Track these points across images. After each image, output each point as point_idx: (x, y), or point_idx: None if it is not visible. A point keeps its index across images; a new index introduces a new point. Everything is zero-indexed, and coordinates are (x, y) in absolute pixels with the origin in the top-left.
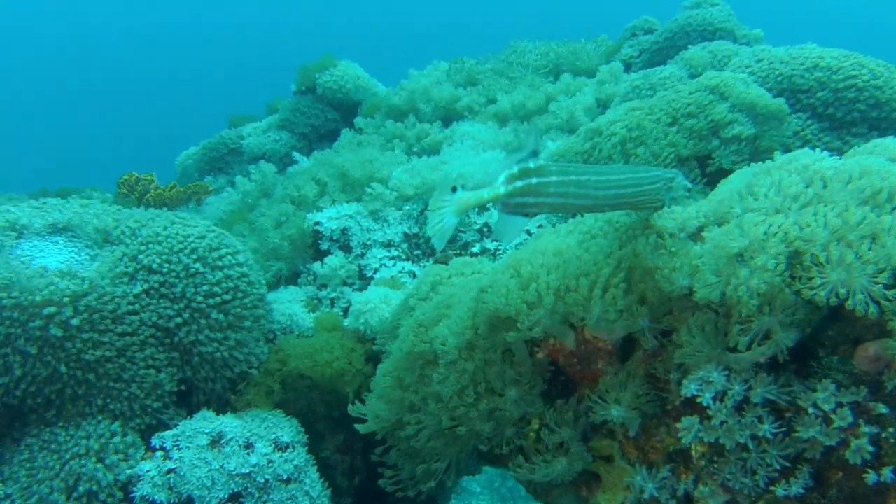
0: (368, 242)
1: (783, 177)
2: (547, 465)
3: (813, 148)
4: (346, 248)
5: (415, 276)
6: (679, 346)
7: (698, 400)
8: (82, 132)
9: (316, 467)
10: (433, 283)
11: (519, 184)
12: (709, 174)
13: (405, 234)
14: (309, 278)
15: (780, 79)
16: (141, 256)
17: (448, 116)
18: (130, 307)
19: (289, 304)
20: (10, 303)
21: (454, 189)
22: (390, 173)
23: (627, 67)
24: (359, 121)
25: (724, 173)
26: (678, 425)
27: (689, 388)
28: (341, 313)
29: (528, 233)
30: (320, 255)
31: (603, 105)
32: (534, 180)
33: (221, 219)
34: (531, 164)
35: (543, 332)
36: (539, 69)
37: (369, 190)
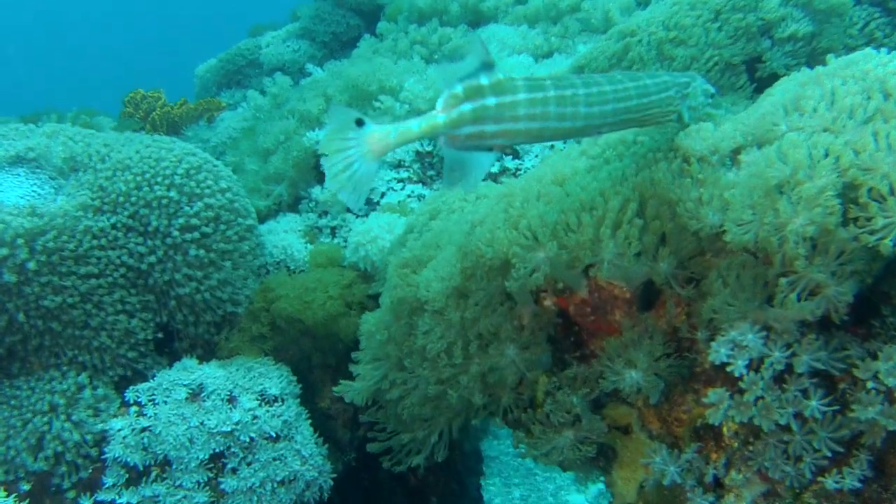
0: None
1: (837, 86)
2: (549, 441)
3: (879, 48)
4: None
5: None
6: (708, 296)
7: (729, 368)
8: (105, 49)
9: (310, 421)
10: (433, 211)
11: (466, 108)
12: (758, 80)
13: (417, 153)
14: (311, 204)
15: None
16: (108, 185)
17: (475, 19)
18: (96, 243)
19: (284, 235)
20: None
21: (359, 122)
22: (402, 84)
23: None
24: (380, 26)
25: (776, 80)
26: (705, 399)
27: (719, 352)
28: (343, 244)
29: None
30: (323, 177)
31: (643, 4)
32: (490, 101)
33: (231, 136)
34: (483, 81)
35: (545, 280)
36: None
37: (377, 103)
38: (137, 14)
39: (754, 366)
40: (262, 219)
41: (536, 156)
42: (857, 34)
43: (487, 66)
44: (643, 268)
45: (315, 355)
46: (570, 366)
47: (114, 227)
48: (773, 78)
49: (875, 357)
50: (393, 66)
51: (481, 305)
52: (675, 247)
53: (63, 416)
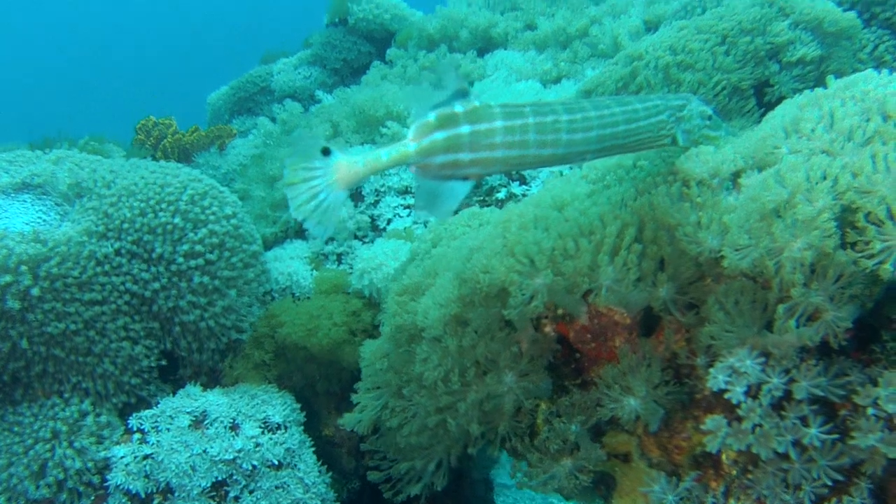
0: (382, 189)
1: (835, 108)
2: (545, 469)
3: (892, 71)
4: (358, 196)
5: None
6: (707, 322)
7: (727, 395)
8: (117, 76)
9: (314, 448)
10: (435, 238)
11: (439, 137)
12: (767, 104)
13: None
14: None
15: None
16: (112, 211)
17: (485, 45)
18: (100, 269)
19: (290, 262)
20: None
21: (325, 151)
22: (409, 109)
23: None
24: (390, 52)
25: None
26: (703, 426)
27: (717, 379)
28: (349, 270)
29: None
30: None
31: (653, 27)
32: (464, 129)
33: (242, 164)
34: (457, 108)
35: (545, 306)
36: None
37: (384, 129)
38: (149, 42)
39: (753, 392)
40: (270, 245)
41: (543, 182)
42: (866, 58)
43: (462, 94)
44: (642, 294)
45: (320, 382)
46: (571, 393)
47: (118, 253)
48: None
49: (875, 383)
50: (400, 92)
51: (479, 332)
52: (673, 272)
53: (65, 443)
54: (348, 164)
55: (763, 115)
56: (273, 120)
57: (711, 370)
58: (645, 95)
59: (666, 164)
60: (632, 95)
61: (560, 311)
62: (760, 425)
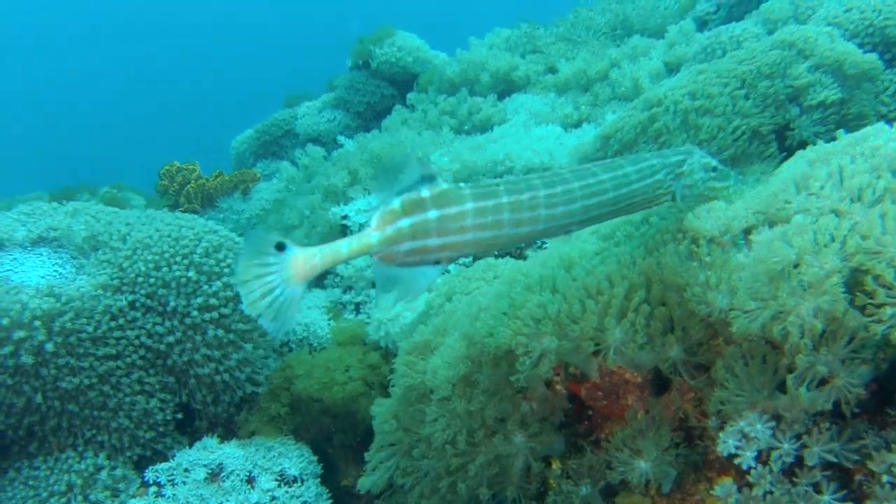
0: None
1: (844, 164)
2: None
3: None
4: None
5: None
6: (717, 385)
7: (737, 461)
8: (144, 121)
9: (332, 501)
10: (449, 293)
11: (404, 224)
12: (788, 148)
13: None
14: (336, 279)
15: (871, 31)
16: (127, 265)
17: (506, 88)
18: (114, 324)
19: (307, 312)
20: None
21: (280, 246)
22: (428, 156)
23: (703, 25)
24: (411, 97)
25: (806, 147)
26: (713, 492)
27: (727, 444)
28: (367, 320)
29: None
30: None
31: (674, 69)
32: (431, 214)
33: (265, 209)
34: (423, 193)
35: (552, 368)
36: (605, 31)
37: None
38: (173, 87)
39: (764, 457)
40: None
41: None
42: (889, 100)
43: (429, 178)
44: (651, 355)
45: (336, 435)
46: (583, 451)
47: (132, 306)
48: (803, 146)
49: (891, 448)
50: (417, 138)
51: (488, 393)
52: (682, 334)
53: (80, 497)
54: (305, 258)
55: (785, 159)
56: (295, 165)
57: (721, 434)
58: (640, 155)
59: (675, 220)
60: (625, 157)
61: (571, 369)
62: (771, 492)
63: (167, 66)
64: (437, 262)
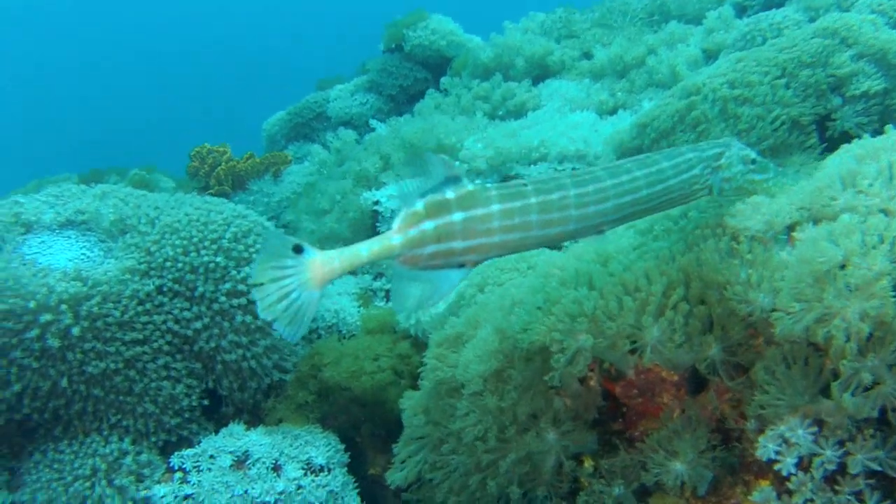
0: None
1: (894, 161)
2: None
3: None
4: None
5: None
6: (756, 387)
7: (776, 467)
8: (176, 103)
9: (358, 490)
10: (481, 283)
11: (428, 226)
12: (829, 139)
13: None
14: (366, 266)
15: None
16: (155, 249)
17: (541, 73)
18: (142, 309)
19: (337, 298)
20: (4, 308)
21: (298, 249)
22: (461, 142)
23: (743, 11)
24: (444, 81)
25: (847, 139)
26: (751, 497)
27: (767, 448)
28: None
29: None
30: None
31: (712, 57)
32: (456, 217)
33: (296, 192)
34: (447, 194)
35: (586, 366)
36: (641, 17)
37: None
38: (204, 69)
39: (804, 464)
40: None
41: None
42: None
43: (453, 179)
44: (688, 355)
45: (365, 425)
46: (618, 449)
47: (160, 291)
48: (845, 137)
49: None
50: (451, 123)
51: (520, 389)
52: (721, 333)
53: (105, 481)
54: (323, 261)
55: (826, 150)
56: (327, 148)
57: (761, 439)
58: (676, 149)
59: (716, 215)
60: (660, 152)
61: (606, 366)
62: (812, 500)
63: (200, 48)
64: (461, 265)
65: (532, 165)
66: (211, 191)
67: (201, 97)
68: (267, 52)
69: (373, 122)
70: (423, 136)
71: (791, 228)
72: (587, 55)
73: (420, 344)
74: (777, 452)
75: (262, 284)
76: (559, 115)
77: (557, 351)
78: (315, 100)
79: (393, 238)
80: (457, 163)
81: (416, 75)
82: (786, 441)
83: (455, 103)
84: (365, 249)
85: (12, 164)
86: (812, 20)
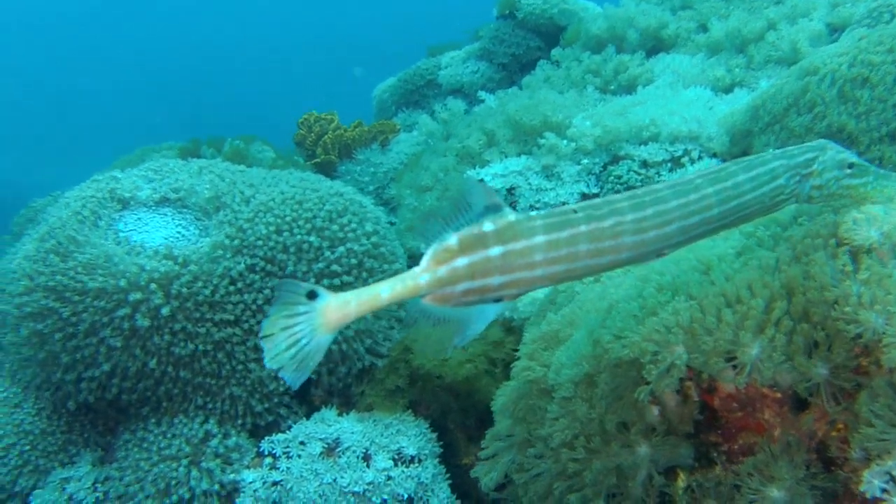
0: (538, 205)
1: None
2: None
3: None
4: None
5: None
6: (859, 420)
7: None
8: (285, 69)
9: (450, 481)
10: None
11: (461, 263)
12: None
13: (582, 195)
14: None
15: None
16: (248, 227)
17: (655, 45)
18: (233, 288)
19: None
20: (94, 286)
21: (312, 295)
22: (570, 119)
23: None
24: (555, 52)
25: None
26: None
27: (872, 484)
28: None
29: None
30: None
31: (838, 31)
32: (494, 252)
33: (403, 162)
34: (485, 227)
35: (680, 379)
36: None
37: (542, 141)
38: (314, 36)
39: None
40: (419, 259)
41: None
42: None
43: (493, 209)
44: (789, 376)
45: (454, 415)
46: (714, 464)
47: (251, 270)
48: None
49: None
50: (559, 99)
51: (609, 399)
52: (827, 354)
53: (192, 464)
54: (338, 305)
55: None
56: (435, 119)
57: (866, 473)
58: (759, 157)
59: (826, 225)
60: (740, 161)
61: (705, 376)
62: None
63: (312, 17)
64: (499, 300)
65: (642, 145)
66: (317, 159)
67: (313, 65)
68: (379, 18)
69: (482, 94)
70: (528, 113)
71: None
72: (704, 28)
73: (514, 329)
74: (883, 490)
75: (271, 335)
76: (672, 92)
77: (649, 363)
78: (426, 66)
79: (420, 277)
80: (558, 140)
81: (528, 43)
82: (893, 478)
83: (565, 76)
84: (386, 290)
85: (126, 131)
86: None
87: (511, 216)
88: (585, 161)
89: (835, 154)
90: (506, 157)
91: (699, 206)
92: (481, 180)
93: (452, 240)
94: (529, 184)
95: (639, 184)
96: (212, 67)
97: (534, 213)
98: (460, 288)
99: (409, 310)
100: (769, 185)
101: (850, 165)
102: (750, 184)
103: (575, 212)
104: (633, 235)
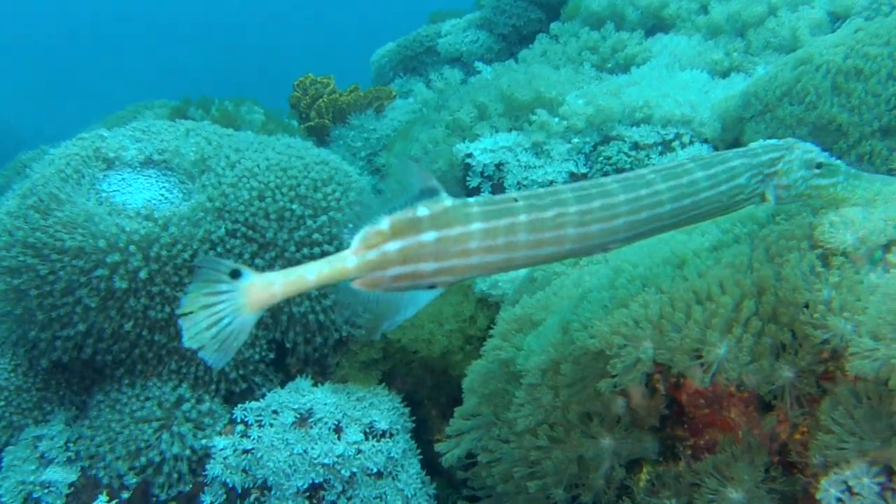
0: (525, 182)
1: None
2: None
3: None
4: (499, 188)
5: None
6: (820, 426)
7: None
8: (282, 33)
9: (421, 457)
10: None
11: (392, 248)
12: None
13: (571, 175)
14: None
15: None
16: (230, 192)
17: (655, 25)
18: (212, 253)
19: None
20: (73, 245)
21: (235, 273)
22: (563, 96)
23: None
24: (554, 27)
25: None
26: None
27: (829, 493)
28: None
29: None
30: (469, 193)
31: (841, 19)
32: (427, 237)
33: (396, 130)
34: (419, 212)
35: (644, 375)
36: None
37: (533, 117)
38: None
39: None
40: None
41: None
42: None
43: (429, 192)
44: (755, 377)
45: (428, 390)
46: (679, 459)
47: (232, 235)
48: None
49: None
50: (553, 75)
51: (574, 388)
52: (793, 358)
53: (162, 427)
54: (263, 285)
55: None
56: (431, 87)
57: (823, 481)
58: (720, 155)
59: (801, 226)
60: (699, 158)
61: (674, 371)
62: None
63: None
64: (432, 287)
65: (634, 127)
66: (311, 122)
67: (312, 30)
68: None
69: (478, 65)
70: (521, 88)
71: (888, 249)
72: (705, 9)
73: (490, 305)
74: (839, 500)
75: (190, 313)
76: (668, 73)
77: (615, 356)
78: (426, 33)
79: (347, 260)
80: (549, 117)
81: (529, 15)
82: (850, 488)
83: (562, 52)
84: (313, 273)
85: (126, 87)
86: None
87: (447, 201)
88: (576, 140)
89: (802, 153)
90: (497, 131)
91: (650, 202)
92: (417, 161)
93: (384, 223)
94: (518, 160)
95: (628, 166)
96: (215, 21)
97: (472, 199)
98: (391, 273)
99: (339, 293)
100: (727, 183)
101: (819, 165)
102: (706, 182)
103: (516, 200)
104: (576, 227)
